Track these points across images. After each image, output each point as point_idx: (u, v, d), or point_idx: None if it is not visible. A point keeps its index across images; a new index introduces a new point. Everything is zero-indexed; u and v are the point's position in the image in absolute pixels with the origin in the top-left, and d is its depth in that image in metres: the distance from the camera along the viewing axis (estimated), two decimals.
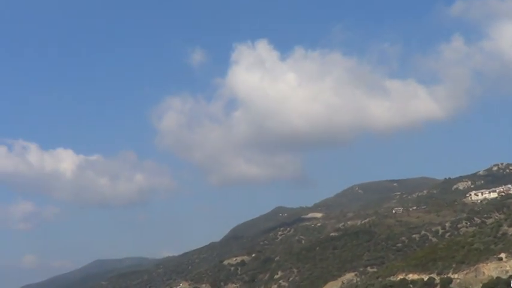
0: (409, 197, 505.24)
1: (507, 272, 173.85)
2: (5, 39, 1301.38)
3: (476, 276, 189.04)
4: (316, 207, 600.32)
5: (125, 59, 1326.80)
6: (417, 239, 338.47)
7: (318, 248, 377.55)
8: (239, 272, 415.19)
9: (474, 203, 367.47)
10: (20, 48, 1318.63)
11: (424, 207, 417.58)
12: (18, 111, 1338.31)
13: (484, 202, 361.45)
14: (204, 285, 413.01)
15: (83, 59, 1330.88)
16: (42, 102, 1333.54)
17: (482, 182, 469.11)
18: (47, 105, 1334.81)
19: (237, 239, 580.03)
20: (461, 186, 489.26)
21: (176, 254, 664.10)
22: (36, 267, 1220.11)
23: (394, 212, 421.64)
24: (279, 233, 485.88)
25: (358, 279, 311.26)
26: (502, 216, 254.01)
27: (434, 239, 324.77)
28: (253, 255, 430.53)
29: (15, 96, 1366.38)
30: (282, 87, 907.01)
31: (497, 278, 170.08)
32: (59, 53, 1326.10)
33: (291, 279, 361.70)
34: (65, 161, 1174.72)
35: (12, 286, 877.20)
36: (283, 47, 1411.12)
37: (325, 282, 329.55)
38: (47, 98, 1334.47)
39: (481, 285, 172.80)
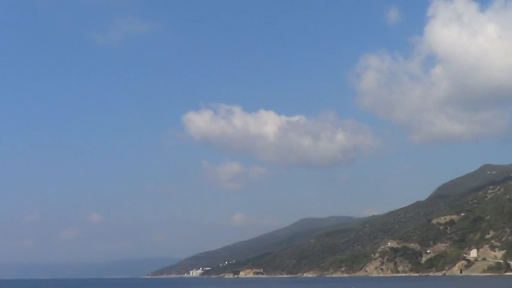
0: None
1: None
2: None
3: None
4: None
5: (324, 20, 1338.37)
6: None
7: None
8: (448, 231, 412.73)
9: None
10: (215, 13, 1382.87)
11: None
12: (220, 76, 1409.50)
13: None
14: (412, 244, 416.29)
15: (279, 24, 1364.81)
16: (242, 66, 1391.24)
17: None
18: (247, 68, 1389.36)
19: (443, 197, 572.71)
20: None
21: (380, 212, 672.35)
22: (245, 225, 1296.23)
23: None
24: (489, 191, 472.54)
25: None
26: None
27: None
28: (462, 214, 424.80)
29: (216, 62, 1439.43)
30: (481, 40, 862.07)
31: None
32: (251, 21, 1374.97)
33: (503, 239, 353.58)
34: (268, 123, 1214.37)
35: (225, 242, 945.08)
36: None
37: None
38: (246, 61, 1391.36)
39: None
